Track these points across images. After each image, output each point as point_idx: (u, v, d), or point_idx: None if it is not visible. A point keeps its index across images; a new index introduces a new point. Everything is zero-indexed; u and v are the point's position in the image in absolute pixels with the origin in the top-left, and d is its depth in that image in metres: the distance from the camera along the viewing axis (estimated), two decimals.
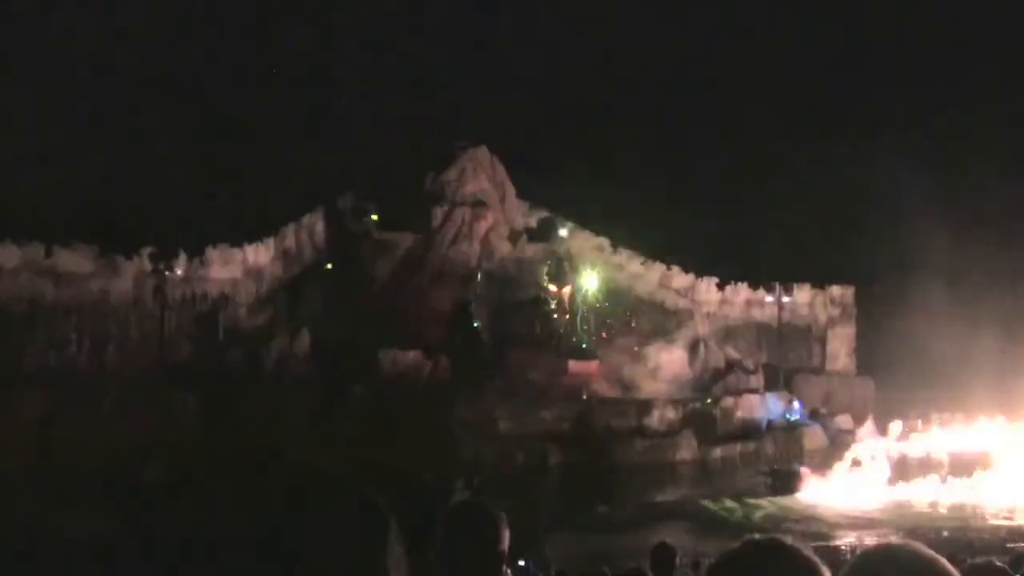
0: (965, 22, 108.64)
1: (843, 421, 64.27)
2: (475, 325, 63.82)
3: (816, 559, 2.08)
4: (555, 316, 65.29)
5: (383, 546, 1.19)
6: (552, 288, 66.00)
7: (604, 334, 65.86)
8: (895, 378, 67.39)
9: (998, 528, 37.06)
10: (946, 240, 67.76)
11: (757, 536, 2.18)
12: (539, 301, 65.89)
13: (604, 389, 61.14)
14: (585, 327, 65.53)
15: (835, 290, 76.06)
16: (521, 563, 20.70)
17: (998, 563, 4.35)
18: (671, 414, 59.48)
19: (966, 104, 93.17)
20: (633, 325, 67.70)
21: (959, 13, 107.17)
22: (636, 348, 65.26)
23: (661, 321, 70.04)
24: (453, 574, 3.23)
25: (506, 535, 3.49)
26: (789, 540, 2.15)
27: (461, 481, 44.35)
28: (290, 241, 66.05)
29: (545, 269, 66.71)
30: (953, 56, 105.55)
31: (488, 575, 3.34)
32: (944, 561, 2.12)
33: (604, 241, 72.62)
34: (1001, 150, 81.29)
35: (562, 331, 64.73)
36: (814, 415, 64.64)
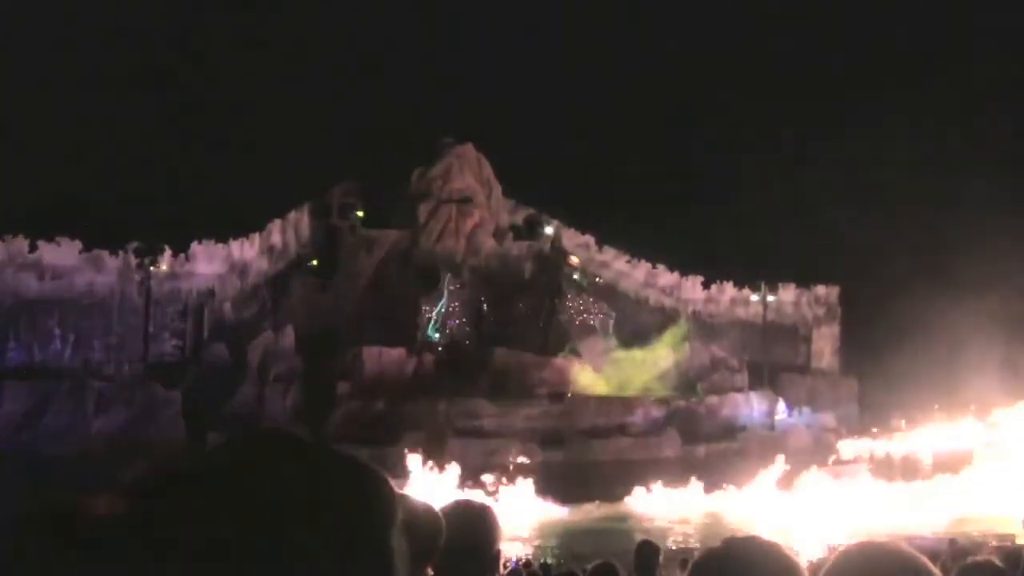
0: (957, 22, 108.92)
1: (827, 420, 64.41)
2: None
3: (795, 557, 2.09)
4: (540, 314, 65.30)
5: (389, 536, 1.16)
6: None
7: (589, 332, 65.85)
8: (880, 377, 67.66)
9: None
10: (931, 239, 68.01)
11: (738, 534, 2.20)
12: (525, 299, 65.88)
13: (589, 387, 61.08)
14: (570, 325, 65.54)
15: (820, 289, 76.19)
16: (506, 561, 20.71)
17: (997, 563, 4.35)
18: (656, 412, 59.55)
19: (955, 104, 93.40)
20: (619, 323, 67.68)
21: (950, 15, 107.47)
22: (622, 346, 65.22)
23: (646, 319, 70.14)
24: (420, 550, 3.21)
25: (500, 536, 3.49)
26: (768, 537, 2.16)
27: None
28: (275, 237, 65.85)
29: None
30: (944, 55, 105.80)
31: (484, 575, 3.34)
32: (924, 559, 2.13)
33: (589, 239, 72.67)
34: (989, 151, 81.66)
35: (547, 329, 64.70)
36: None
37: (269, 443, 1.16)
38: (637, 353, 64.82)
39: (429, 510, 2.14)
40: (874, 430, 61.66)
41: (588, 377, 61.84)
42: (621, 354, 64.37)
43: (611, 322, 67.36)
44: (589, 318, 66.70)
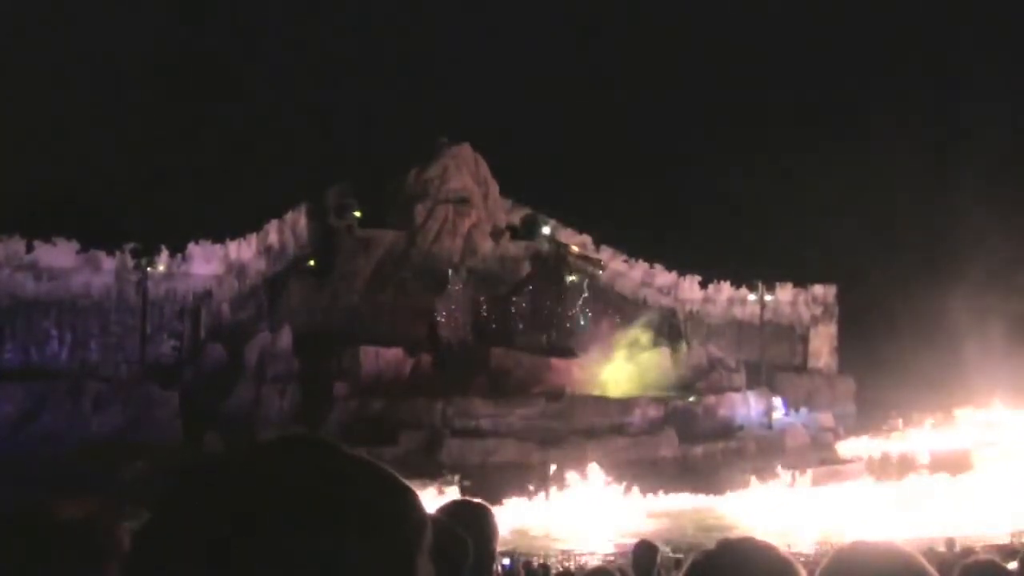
0: (955, 17, 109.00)
1: (824, 419, 64.42)
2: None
3: (790, 557, 2.08)
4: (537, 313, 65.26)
5: (416, 557, 1.11)
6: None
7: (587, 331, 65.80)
8: (877, 377, 67.67)
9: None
10: (928, 239, 67.99)
11: (734, 535, 2.19)
12: (522, 298, 65.81)
13: (586, 386, 61.02)
14: (568, 324, 65.52)
15: (817, 289, 76.22)
16: (505, 561, 20.73)
17: (1000, 563, 4.33)
18: (653, 412, 59.47)
19: (953, 103, 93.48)
20: (616, 322, 67.61)
21: (950, 12, 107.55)
22: (618, 346, 65.12)
23: (643, 319, 70.11)
24: (445, 573, 3.19)
25: (496, 534, 3.48)
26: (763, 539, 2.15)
27: (443, 478, 44.40)
28: (273, 237, 65.79)
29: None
30: (941, 55, 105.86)
31: (480, 574, 3.33)
32: (921, 559, 2.11)
33: (587, 238, 72.65)
34: (987, 151, 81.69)
35: (544, 328, 64.66)
36: None
37: (298, 449, 1.12)
38: (648, 353, 64.73)
39: (452, 529, 2.10)
40: (883, 427, 61.67)
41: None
42: (619, 353, 64.31)
43: (616, 320, 67.37)
44: (590, 316, 66.66)
